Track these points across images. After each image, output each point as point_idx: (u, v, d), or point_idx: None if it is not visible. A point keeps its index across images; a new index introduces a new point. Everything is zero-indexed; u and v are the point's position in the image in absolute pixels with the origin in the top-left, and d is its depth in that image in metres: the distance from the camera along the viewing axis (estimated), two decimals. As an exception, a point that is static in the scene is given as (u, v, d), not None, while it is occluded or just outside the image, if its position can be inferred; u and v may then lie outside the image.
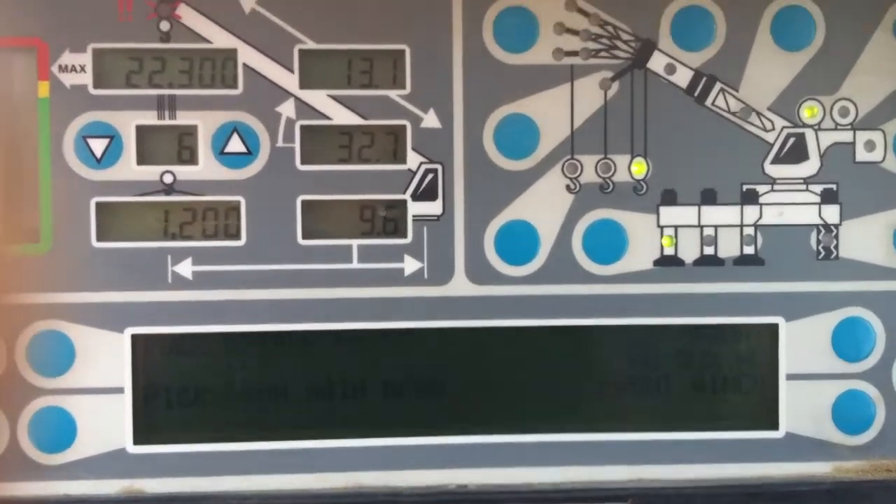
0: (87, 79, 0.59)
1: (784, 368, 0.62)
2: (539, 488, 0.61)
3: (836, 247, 0.62)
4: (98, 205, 0.59)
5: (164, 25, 0.60)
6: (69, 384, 0.60)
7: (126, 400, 0.60)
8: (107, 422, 0.60)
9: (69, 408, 0.60)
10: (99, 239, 0.59)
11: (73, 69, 0.59)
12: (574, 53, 0.61)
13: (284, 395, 0.61)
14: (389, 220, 0.61)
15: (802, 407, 0.63)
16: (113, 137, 0.59)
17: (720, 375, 0.62)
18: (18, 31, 0.59)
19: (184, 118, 0.60)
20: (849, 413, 0.63)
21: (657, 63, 0.62)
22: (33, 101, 0.59)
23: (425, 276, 0.61)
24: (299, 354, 0.61)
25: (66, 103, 0.59)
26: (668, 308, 0.62)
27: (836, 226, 0.62)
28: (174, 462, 0.60)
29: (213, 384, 0.61)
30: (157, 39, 0.60)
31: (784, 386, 0.62)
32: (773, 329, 0.62)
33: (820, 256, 0.62)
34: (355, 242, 0.61)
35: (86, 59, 0.59)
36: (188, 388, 0.60)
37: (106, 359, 0.60)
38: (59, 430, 0.60)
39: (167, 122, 0.60)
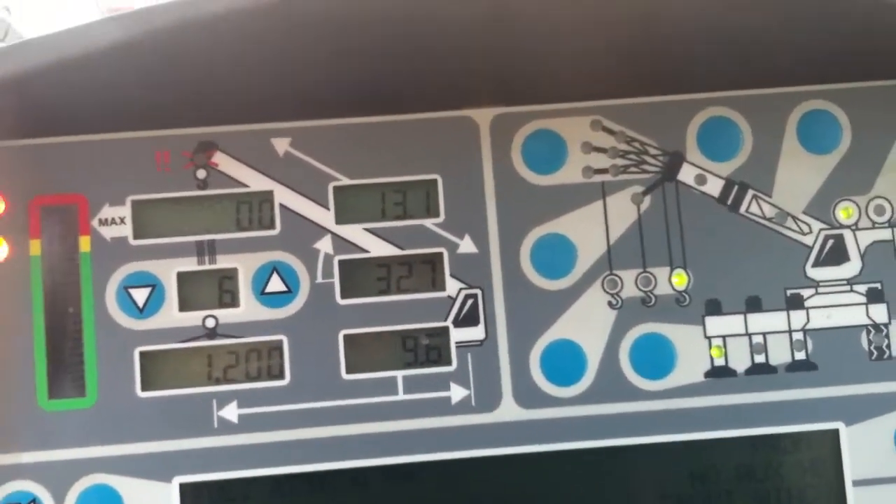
0: (126, 230, 0.61)
1: (850, 475, 0.61)
2: None
3: (889, 346, 0.62)
4: (142, 354, 0.60)
5: (201, 173, 0.61)
6: (121, 538, 0.59)
7: (178, 552, 0.59)
8: (160, 576, 0.59)
9: None
10: (143, 388, 0.60)
11: (114, 222, 0.61)
12: (604, 171, 0.62)
13: (339, 536, 0.60)
14: (432, 348, 0.61)
15: (873, 515, 0.61)
16: (155, 286, 0.60)
17: (784, 488, 0.61)
18: (59, 189, 0.60)
19: (224, 262, 0.61)
20: (921, 516, 0.61)
21: (687, 174, 0.62)
22: (76, 255, 0.60)
23: (473, 402, 0.60)
24: (350, 493, 0.59)
25: (107, 256, 0.60)
26: (723, 421, 0.61)
27: (886, 325, 0.62)
28: None
29: (264, 529, 0.60)
30: (195, 187, 0.61)
31: (852, 493, 0.61)
32: (835, 435, 0.61)
33: (873, 357, 0.62)
34: (400, 374, 0.60)
35: (125, 211, 0.61)
36: (240, 535, 0.60)
37: (155, 510, 0.59)
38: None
39: (207, 266, 0.61)
